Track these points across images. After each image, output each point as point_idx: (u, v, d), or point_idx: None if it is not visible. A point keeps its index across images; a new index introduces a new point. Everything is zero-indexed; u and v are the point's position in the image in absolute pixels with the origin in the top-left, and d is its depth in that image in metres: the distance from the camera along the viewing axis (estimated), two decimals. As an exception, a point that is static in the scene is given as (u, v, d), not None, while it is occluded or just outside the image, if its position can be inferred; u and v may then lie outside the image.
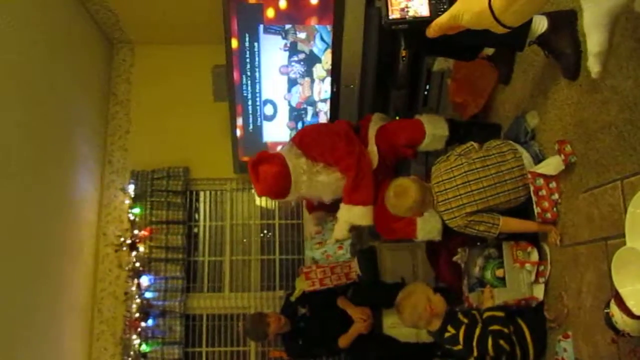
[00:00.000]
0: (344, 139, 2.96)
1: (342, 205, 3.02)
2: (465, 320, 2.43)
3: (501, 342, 2.28)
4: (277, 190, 2.95)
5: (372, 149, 3.06)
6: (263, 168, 2.90)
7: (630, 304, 1.39)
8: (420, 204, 2.44)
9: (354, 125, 3.22)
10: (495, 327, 2.32)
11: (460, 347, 2.38)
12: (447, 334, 2.44)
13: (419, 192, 2.41)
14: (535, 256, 2.38)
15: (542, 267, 2.36)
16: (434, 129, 2.97)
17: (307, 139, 3.00)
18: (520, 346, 2.34)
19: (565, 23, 2.07)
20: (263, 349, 4.31)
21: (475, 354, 2.34)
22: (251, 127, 3.90)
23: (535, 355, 2.34)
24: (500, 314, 2.36)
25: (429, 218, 2.72)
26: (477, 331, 2.36)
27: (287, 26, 3.44)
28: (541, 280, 2.36)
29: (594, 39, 1.62)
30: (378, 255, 3.97)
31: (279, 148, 3.15)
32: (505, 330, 2.31)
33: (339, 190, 2.99)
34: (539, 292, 2.38)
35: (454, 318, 2.46)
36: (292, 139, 3.09)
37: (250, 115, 3.84)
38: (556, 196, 2.23)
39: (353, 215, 2.97)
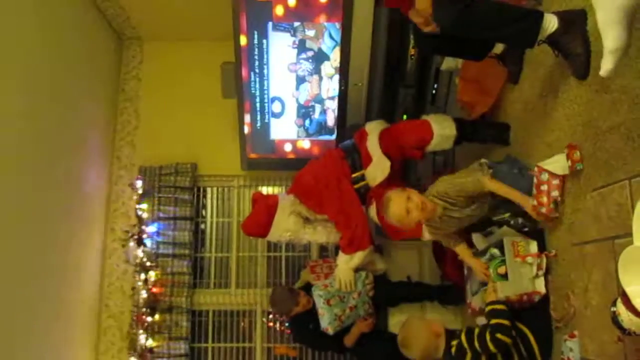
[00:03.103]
0: (333, 192, 3.12)
1: (341, 255, 3.21)
2: (464, 330, 2.45)
3: (498, 335, 2.26)
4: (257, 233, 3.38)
5: (380, 160, 3.06)
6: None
7: (636, 302, 1.39)
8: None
9: (350, 147, 3.24)
10: (495, 320, 2.32)
11: (469, 354, 2.34)
12: (452, 349, 2.42)
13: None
14: (534, 247, 2.42)
15: (539, 260, 2.38)
16: (442, 129, 2.97)
17: (300, 196, 3.24)
18: (527, 351, 2.33)
19: (576, 23, 2.06)
20: (269, 345, 4.32)
21: (483, 356, 2.33)
22: (259, 124, 3.91)
23: (543, 357, 2.34)
24: (502, 307, 2.36)
25: None
26: (476, 330, 2.36)
27: (296, 24, 3.45)
28: (540, 273, 2.37)
29: (609, 36, 1.61)
30: (384, 253, 3.97)
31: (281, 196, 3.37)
32: (505, 322, 2.29)
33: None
34: (540, 285, 2.39)
35: (452, 333, 2.48)
36: (289, 191, 3.33)
37: (258, 112, 3.86)
38: (556, 193, 2.22)
39: (356, 260, 3.18)
